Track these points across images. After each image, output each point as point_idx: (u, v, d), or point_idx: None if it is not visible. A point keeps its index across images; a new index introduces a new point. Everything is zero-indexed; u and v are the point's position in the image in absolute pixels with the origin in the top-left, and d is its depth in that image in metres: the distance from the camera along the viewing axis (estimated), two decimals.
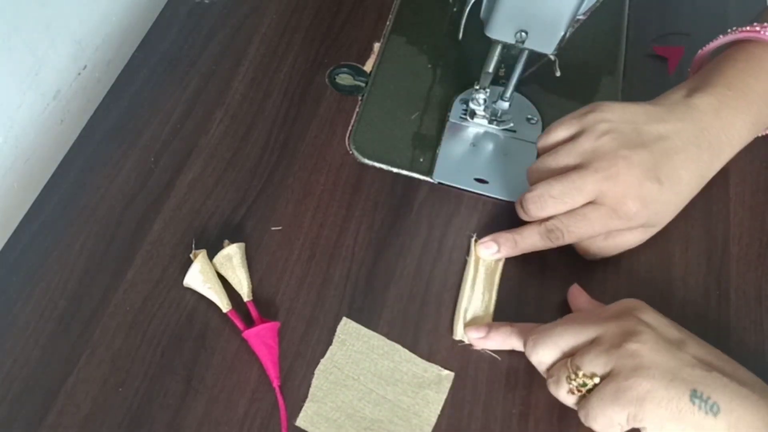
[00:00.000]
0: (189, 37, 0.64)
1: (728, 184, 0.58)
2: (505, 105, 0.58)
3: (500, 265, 0.52)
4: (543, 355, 0.45)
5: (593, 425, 0.42)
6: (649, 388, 0.40)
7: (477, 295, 0.50)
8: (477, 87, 0.57)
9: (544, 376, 0.45)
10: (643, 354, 0.41)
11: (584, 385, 0.42)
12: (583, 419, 0.43)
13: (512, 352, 0.48)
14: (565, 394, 0.43)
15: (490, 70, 0.55)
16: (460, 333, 0.49)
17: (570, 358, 0.43)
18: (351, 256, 0.52)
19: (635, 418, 0.41)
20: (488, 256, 0.52)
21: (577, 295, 0.50)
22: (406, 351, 0.48)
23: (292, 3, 0.67)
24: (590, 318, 0.45)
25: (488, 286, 0.51)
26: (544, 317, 0.47)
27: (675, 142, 0.49)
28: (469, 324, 0.49)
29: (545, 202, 0.48)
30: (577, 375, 0.42)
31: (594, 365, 0.42)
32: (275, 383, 0.46)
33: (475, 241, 0.52)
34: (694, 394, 0.40)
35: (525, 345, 0.46)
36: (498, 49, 0.53)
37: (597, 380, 0.42)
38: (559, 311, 0.50)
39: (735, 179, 0.58)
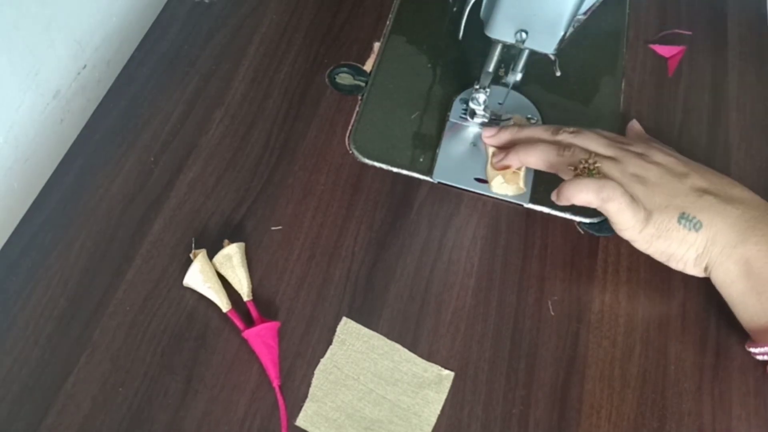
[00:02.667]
0: (189, 37, 0.64)
1: None
2: (519, 76, 0.57)
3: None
4: (578, 144, 0.52)
5: (579, 195, 0.49)
6: (651, 210, 0.48)
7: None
8: (477, 87, 0.57)
9: (558, 154, 0.52)
10: (650, 178, 0.50)
11: (591, 171, 0.50)
12: (571, 186, 0.49)
13: (512, 351, 0.48)
14: (566, 167, 0.51)
15: (490, 70, 0.55)
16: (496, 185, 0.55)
17: (592, 154, 0.51)
18: (351, 256, 0.52)
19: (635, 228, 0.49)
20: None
21: (632, 126, 0.59)
22: (406, 351, 0.49)
23: (292, 3, 0.67)
24: (618, 142, 0.53)
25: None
26: None
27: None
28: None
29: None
30: (590, 164, 0.50)
31: (608, 169, 0.50)
32: (275, 383, 0.46)
33: None
34: (682, 216, 0.48)
35: (559, 134, 0.53)
36: (498, 49, 0.53)
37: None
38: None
39: (735, 179, 0.58)
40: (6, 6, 0.53)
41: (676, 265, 0.50)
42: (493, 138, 0.56)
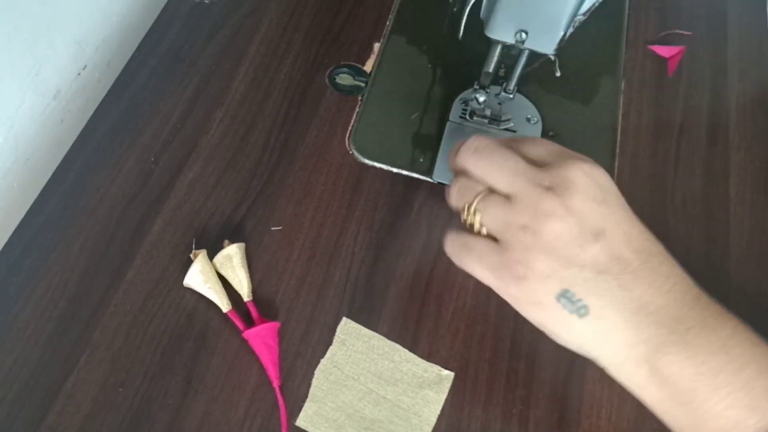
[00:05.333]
0: (189, 37, 0.64)
1: (728, 184, 0.58)
2: (509, 96, 0.57)
3: None
4: (476, 171, 0.41)
5: (458, 263, 0.41)
6: (526, 275, 0.38)
7: None
8: (477, 87, 0.57)
9: (449, 191, 0.42)
10: (543, 239, 0.38)
11: (471, 225, 0.40)
12: (451, 249, 0.41)
13: (512, 351, 0.48)
14: (457, 210, 0.42)
15: (490, 70, 0.54)
16: None
17: (480, 194, 0.40)
18: (351, 256, 0.52)
19: (504, 289, 0.39)
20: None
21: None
22: (406, 351, 0.49)
23: (292, 3, 0.67)
24: (526, 168, 0.39)
25: None
26: None
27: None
28: None
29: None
30: (470, 214, 0.40)
31: (491, 220, 0.39)
32: (275, 383, 0.46)
33: None
34: (564, 294, 0.38)
35: (461, 150, 0.42)
36: (498, 49, 0.53)
37: (484, 231, 0.40)
38: None
39: (735, 179, 0.58)
40: (6, 6, 0.53)
41: (554, 339, 0.40)
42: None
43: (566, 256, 0.37)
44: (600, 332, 0.38)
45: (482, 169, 0.40)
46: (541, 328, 0.40)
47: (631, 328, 0.37)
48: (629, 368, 0.38)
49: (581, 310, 0.38)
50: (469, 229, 0.41)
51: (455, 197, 0.42)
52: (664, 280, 0.38)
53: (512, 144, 0.41)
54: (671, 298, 0.38)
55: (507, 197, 0.39)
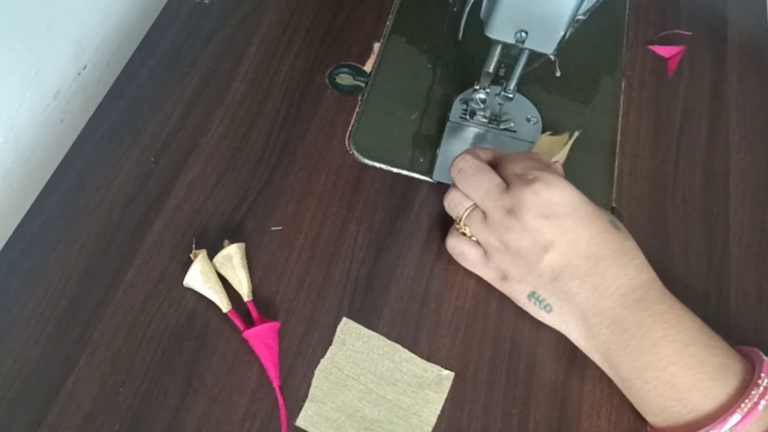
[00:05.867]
0: (189, 37, 0.64)
1: (728, 184, 0.58)
2: (510, 96, 0.57)
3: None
4: (461, 187, 0.49)
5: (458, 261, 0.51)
6: (505, 277, 0.48)
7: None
8: (477, 87, 0.57)
9: (445, 200, 0.51)
10: (511, 252, 0.47)
11: (463, 232, 0.50)
12: (451, 251, 0.51)
13: (512, 351, 0.48)
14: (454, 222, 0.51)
15: (490, 70, 0.55)
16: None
17: (468, 209, 0.49)
18: (351, 256, 0.52)
19: (497, 286, 0.50)
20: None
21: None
22: (406, 351, 0.49)
23: (292, 3, 0.67)
24: (495, 191, 0.47)
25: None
26: None
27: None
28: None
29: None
30: (461, 224, 0.50)
31: (475, 233, 0.49)
32: (275, 383, 0.46)
33: None
34: (532, 295, 0.48)
35: (456, 164, 0.50)
36: (498, 49, 0.53)
37: (474, 238, 0.50)
38: None
39: (735, 179, 0.58)
40: (6, 6, 0.53)
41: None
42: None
43: (528, 265, 0.47)
44: (563, 324, 0.48)
45: (464, 188, 0.49)
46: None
47: (582, 325, 0.46)
48: (589, 352, 0.47)
49: (547, 308, 0.48)
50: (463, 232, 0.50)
51: (447, 208, 0.51)
52: (608, 284, 0.45)
53: (502, 159, 0.50)
54: (613, 302, 0.45)
55: (484, 214, 0.48)
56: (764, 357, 0.43)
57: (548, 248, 0.45)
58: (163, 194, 0.54)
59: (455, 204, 0.50)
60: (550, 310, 0.47)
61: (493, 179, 0.48)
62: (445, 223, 0.54)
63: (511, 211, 0.46)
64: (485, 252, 0.49)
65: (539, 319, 0.49)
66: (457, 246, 0.51)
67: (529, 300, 0.48)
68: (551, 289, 0.47)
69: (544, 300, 0.47)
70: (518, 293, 0.49)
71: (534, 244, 0.46)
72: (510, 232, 0.46)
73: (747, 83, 0.65)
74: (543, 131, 0.59)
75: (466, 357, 0.49)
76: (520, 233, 0.46)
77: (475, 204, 0.49)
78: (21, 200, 0.56)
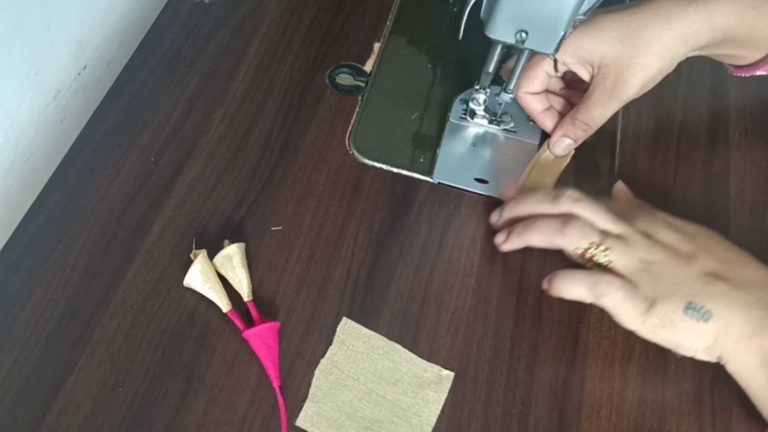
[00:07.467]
0: (189, 37, 0.64)
1: (728, 184, 0.58)
2: (508, 98, 0.57)
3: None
4: (583, 215, 0.48)
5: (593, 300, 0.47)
6: (656, 298, 0.45)
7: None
8: (477, 87, 0.57)
9: (561, 233, 0.48)
10: (656, 263, 0.46)
11: (590, 260, 0.48)
12: (563, 280, 0.48)
13: (512, 351, 0.48)
14: (573, 249, 0.48)
15: (490, 70, 0.54)
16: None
17: (601, 235, 0.47)
18: (351, 256, 0.52)
19: (637, 318, 0.46)
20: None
21: (619, 189, 0.54)
22: (406, 351, 0.49)
23: (292, 3, 0.67)
24: (619, 214, 0.49)
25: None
26: None
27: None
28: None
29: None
30: (599, 251, 0.47)
31: (619, 256, 0.47)
32: (275, 383, 0.46)
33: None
34: (689, 306, 0.45)
35: (559, 202, 0.49)
36: (498, 49, 0.53)
37: (611, 266, 0.47)
38: None
39: (735, 179, 0.58)
40: (6, 6, 0.53)
41: (685, 353, 0.46)
42: (498, 223, 0.53)
43: (678, 275, 0.46)
44: (723, 330, 0.44)
45: (587, 213, 0.48)
46: (672, 346, 0.46)
47: (746, 321, 0.44)
48: (745, 358, 0.44)
49: (705, 315, 0.44)
50: (583, 263, 0.48)
51: (578, 237, 0.48)
52: (753, 282, 0.45)
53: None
54: None
55: (619, 237, 0.47)
56: None
57: (694, 255, 0.46)
58: (163, 194, 0.54)
59: (584, 232, 0.47)
60: (709, 317, 0.44)
61: (611, 204, 0.50)
62: (445, 223, 0.54)
63: (650, 216, 0.49)
64: (626, 278, 0.46)
65: (694, 335, 0.45)
66: (587, 277, 0.47)
67: (686, 314, 0.45)
68: (709, 292, 0.45)
69: (702, 308, 0.44)
70: (672, 312, 0.45)
71: (681, 244, 0.47)
72: (654, 238, 0.47)
73: (747, 83, 0.64)
74: (542, 131, 0.59)
75: (466, 357, 0.49)
76: (667, 231, 0.48)
77: (602, 230, 0.47)
78: (21, 200, 0.56)
